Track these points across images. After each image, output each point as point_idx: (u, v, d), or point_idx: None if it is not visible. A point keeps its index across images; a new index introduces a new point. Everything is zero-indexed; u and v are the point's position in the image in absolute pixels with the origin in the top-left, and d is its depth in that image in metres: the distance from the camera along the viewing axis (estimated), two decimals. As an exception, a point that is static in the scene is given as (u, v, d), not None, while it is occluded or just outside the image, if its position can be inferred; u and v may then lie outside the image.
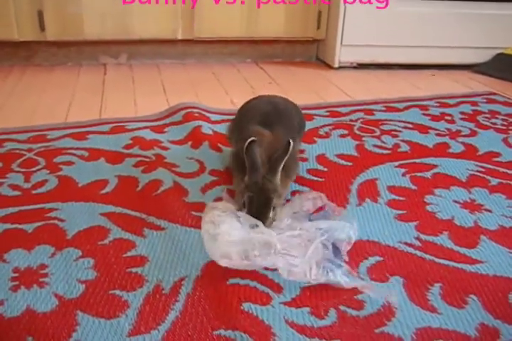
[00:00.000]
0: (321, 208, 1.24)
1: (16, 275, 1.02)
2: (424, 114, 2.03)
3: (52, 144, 1.64)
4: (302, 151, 1.61)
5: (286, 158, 1.17)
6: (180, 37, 2.68)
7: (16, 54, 2.65)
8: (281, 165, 1.17)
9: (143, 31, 2.62)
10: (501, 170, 1.54)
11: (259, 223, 1.07)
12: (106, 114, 1.97)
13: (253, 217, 1.09)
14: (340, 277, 1.01)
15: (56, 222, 1.21)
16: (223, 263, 1.00)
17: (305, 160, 1.56)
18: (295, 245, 1.03)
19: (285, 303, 0.97)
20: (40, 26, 2.48)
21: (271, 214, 1.12)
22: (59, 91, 2.24)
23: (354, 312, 0.95)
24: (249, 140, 1.17)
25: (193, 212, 1.25)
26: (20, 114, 1.94)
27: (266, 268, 1.04)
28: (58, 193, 1.34)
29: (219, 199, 1.28)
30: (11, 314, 0.92)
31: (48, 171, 1.45)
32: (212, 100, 2.11)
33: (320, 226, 1.08)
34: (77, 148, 1.60)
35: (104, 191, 1.35)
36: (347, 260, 1.08)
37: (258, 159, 1.17)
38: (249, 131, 1.32)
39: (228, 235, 1.02)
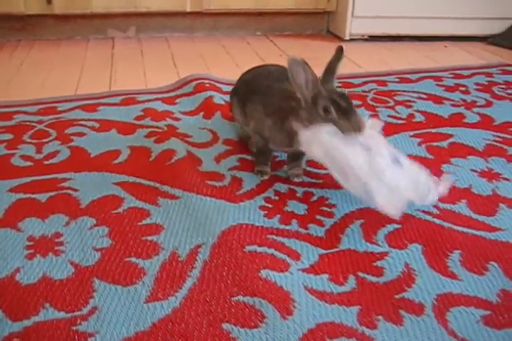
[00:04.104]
0: None
1: (31, 243, 1.02)
2: (438, 85, 2.00)
3: (62, 116, 1.62)
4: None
5: (341, 62, 1.16)
6: (188, 9, 2.63)
7: (23, 28, 2.61)
8: (337, 71, 1.16)
9: (151, 3, 2.58)
10: (519, 139, 1.52)
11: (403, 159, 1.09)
12: (115, 87, 1.94)
13: (353, 126, 1.05)
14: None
15: (69, 191, 1.20)
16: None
17: (319, 130, 1.53)
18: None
19: (304, 270, 0.96)
20: (47, -1, 2.45)
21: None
22: (67, 66, 2.21)
23: (374, 279, 0.94)
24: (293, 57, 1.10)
25: (208, 181, 1.23)
26: (28, 88, 1.92)
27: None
28: (71, 163, 1.33)
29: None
30: (27, 281, 0.92)
31: (60, 142, 1.44)
32: (223, 73, 2.08)
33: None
34: (88, 120, 1.59)
35: (116, 161, 1.34)
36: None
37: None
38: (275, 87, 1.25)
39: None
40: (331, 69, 1.17)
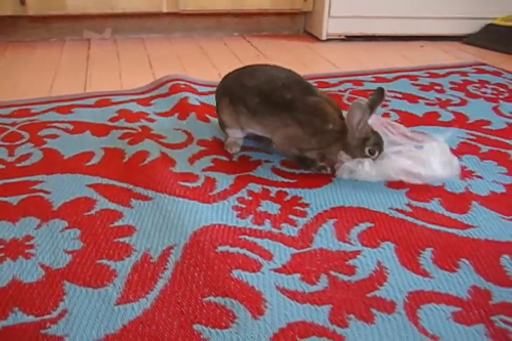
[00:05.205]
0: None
1: (1, 247, 1.01)
2: (413, 84, 2.01)
3: (36, 118, 1.60)
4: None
5: (381, 103, 1.27)
6: (165, 10, 2.62)
7: (-3, 30, 2.59)
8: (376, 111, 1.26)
9: (127, 5, 2.57)
10: (492, 137, 1.53)
11: None
12: (91, 89, 1.93)
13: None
14: None
15: (41, 194, 1.19)
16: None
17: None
18: None
19: (276, 270, 0.96)
20: (21, 0, 2.42)
21: None
22: (42, 68, 2.19)
23: (346, 278, 0.94)
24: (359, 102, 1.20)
25: (181, 182, 1.23)
26: (2, 90, 1.90)
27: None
28: (43, 166, 1.31)
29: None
30: (-4, 285, 0.91)
31: (33, 144, 1.42)
32: (199, 74, 2.07)
33: None
34: (62, 122, 1.57)
35: (90, 163, 1.33)
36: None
37: None
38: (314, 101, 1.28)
39: None
40: (371, 108, 1.22)
